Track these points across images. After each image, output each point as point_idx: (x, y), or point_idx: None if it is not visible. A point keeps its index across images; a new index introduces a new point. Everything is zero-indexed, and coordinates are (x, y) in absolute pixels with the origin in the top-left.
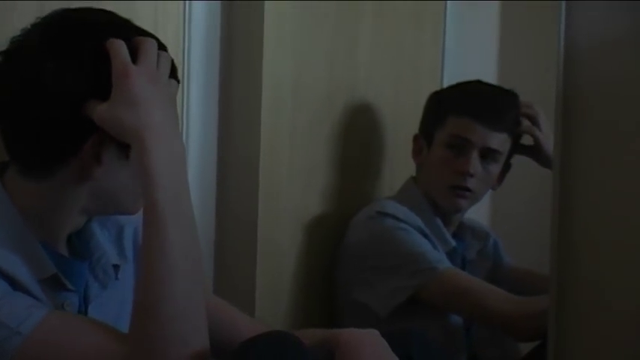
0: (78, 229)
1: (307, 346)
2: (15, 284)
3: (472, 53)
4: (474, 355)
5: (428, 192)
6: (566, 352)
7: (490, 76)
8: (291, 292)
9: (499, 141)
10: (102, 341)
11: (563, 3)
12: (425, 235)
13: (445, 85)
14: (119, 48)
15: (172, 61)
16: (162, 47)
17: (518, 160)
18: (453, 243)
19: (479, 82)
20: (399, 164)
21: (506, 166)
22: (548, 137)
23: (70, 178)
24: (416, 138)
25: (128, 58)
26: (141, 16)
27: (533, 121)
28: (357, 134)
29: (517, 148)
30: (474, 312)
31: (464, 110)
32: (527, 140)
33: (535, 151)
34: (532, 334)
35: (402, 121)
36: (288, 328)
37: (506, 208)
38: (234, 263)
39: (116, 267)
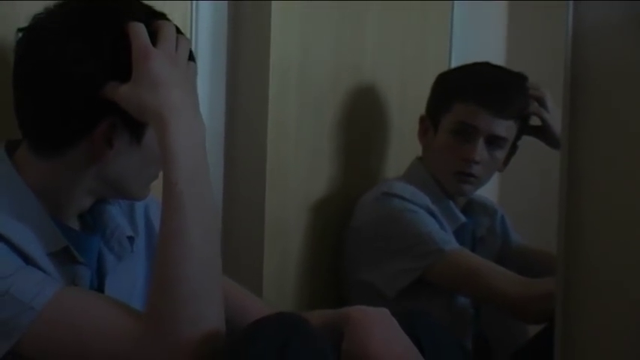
0: (86, 208)
1: (315, 327)
2: (27, 259)
3: (480, 35)
4: (481, 334)
5: (433, 173)
6: (573, 335)
7: (498, 58)
8: (298, 273)
9: (505, 128)
10: (117, 318)
11: None
12: (433, 215)
13: (453, 64)
14: (139, 31)
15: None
16: (179, 32)
17: (526, 139)
18: (463, 218)
19: (487, 64)
20: (405, 146)
21: (513, 149)
22: (555, 118)
23: (80, 160)
24: (422, 119)
25: (148, 41)
26: None
27: (541, 102)
28: (364, 117)
29: (524, 130)
30: (481, 293)
31: (471, 97)
32: (534, 121)
33: (543, 132)
34: (539, 316)
35: (408, 103)
36: (295, 309)
37: (514, 186)
38: (242, 246)
39: (131, 239)
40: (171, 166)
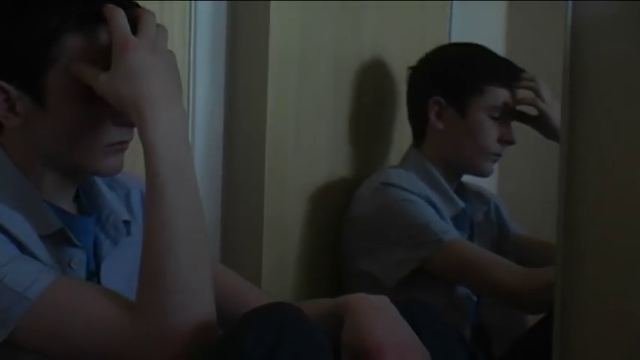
0: (72, 188)
1: (309, 317)
2: (22, 246)
3: (479, 15)
4: (481, 324)
5: (451, 157)
6: (572, 325)
7: (498, 37)
8: (297, 265)
9: None
10: (108, 309)
11: None
12: (432, 204)
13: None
14: (119, 19)
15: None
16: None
17: (525, 131)
18: (462, 204)
19: (482, 47)
20: (405, 137)
21: None
22: (552, 108)
23: (9, 133)
24: (437, 102)
25: (128, 30)
26: None
27: (537, 93)
28: (364, 108)
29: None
30: (480, 284)
31: (502, 81)
32: (531, 110)
33: (539, 123)
34: (538, 306)
35: None
36: (294, 300)
37: (514, 178)
38: (241, 237)
39: (127, 223)
40: (152, 157)
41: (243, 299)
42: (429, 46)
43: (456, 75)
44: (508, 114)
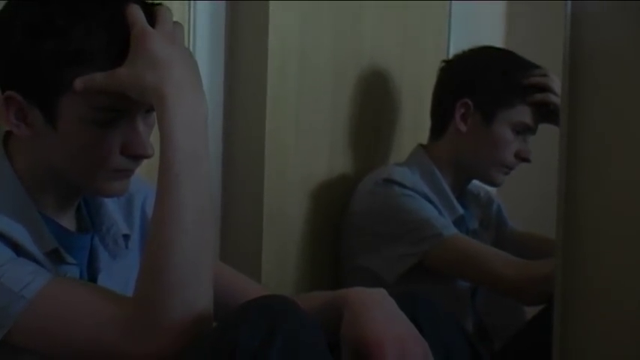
0: (74, 200)
1: (304, 309)
2: (19, 251)
3: (479, 17)
4: (479, 319)
5: (465, 161)
6: (572, 316)
7: (497, 38)
8: (297, 259)
9: None
10: (105, 305)
11: None
12: (431, 203)
13: (451, 49)
14: (137, 13)
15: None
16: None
17: None
18: (461, 210)
19: (522, 59)
20: (404, 132)
21: None
22: None
23: (17, 142)
24: (465, 104)
25: (145, 22)
26: None
27: (548, 88)
28: (363, 104)
29: (543, 119)
30: (479, 277)
31: (532, 101)
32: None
33: (556, 116)
34: (537, 298)
35: (407, 89)
36: (294, 295)
37: (513, 173)
38: (241, 233)
39: (126, 237)
40: (168, 147)
41: (246, 297)
42: (429, 45)
43: (493, 85)
44: (530, 130)
